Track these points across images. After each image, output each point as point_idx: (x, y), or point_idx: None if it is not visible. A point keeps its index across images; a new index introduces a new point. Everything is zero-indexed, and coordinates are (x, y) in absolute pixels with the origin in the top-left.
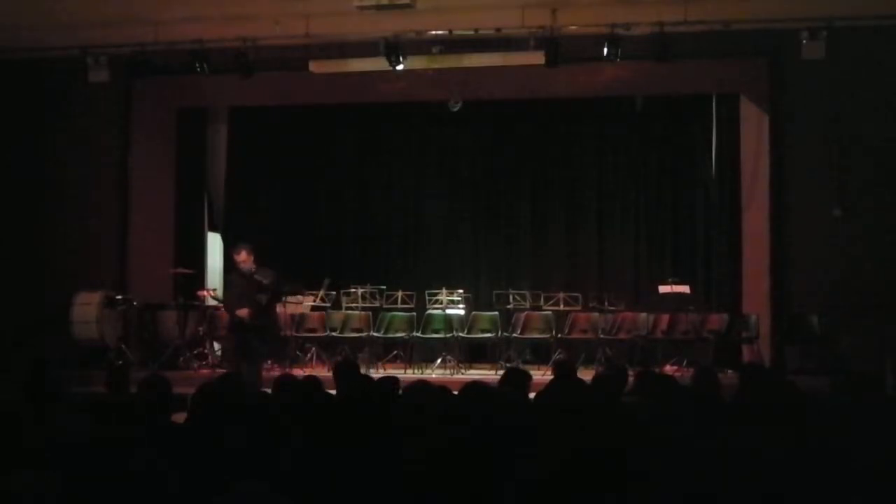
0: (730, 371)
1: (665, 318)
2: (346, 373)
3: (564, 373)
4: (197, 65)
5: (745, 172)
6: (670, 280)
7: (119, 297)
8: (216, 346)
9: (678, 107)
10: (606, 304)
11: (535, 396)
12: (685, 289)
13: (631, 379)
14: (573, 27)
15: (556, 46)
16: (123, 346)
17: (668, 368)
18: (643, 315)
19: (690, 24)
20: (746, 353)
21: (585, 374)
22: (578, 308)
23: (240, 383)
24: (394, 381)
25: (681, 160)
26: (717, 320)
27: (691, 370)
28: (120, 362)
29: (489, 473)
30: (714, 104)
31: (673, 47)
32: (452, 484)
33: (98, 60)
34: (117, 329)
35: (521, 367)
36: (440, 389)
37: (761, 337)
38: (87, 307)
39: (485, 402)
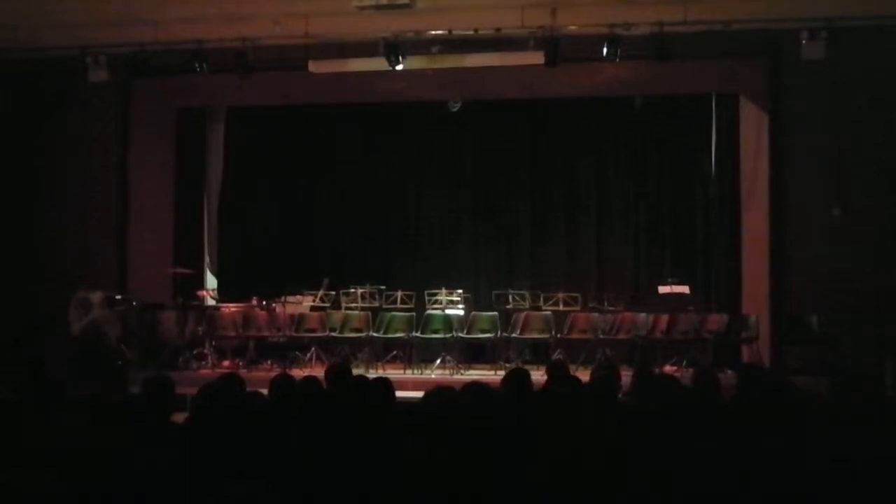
0: (729, 371)
1: (664, 318)
2: (338, 375)
3: (559, 374)
4: (196, 64)
5: (745, 172)
6: (670, 280)
7: (118, 296)
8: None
9: (678, 107)
10: (606, 304)
11: (533, 397)
12: (685, 289)
13: (629, 379)
14: (573, 27)
15: (555, 46)
16: (123, 346)
17: (668, 369)
18: (643, 315)
19: (690, 24)
20: (746, 354)
21: (585, 375)
22: (578, 308)
23: (241, 384)
24: (386, 383)
25: (680, 160)
26: (717, 320)
27: (691, 370)
28: (119, 362)
29: (489, 474)
30: (714, 104)
31: (672, 47)
32: (451, 485)
33: (97, 60)
34: (116, 329)
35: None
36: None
37: (761, 337)
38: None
39: (485, 402)
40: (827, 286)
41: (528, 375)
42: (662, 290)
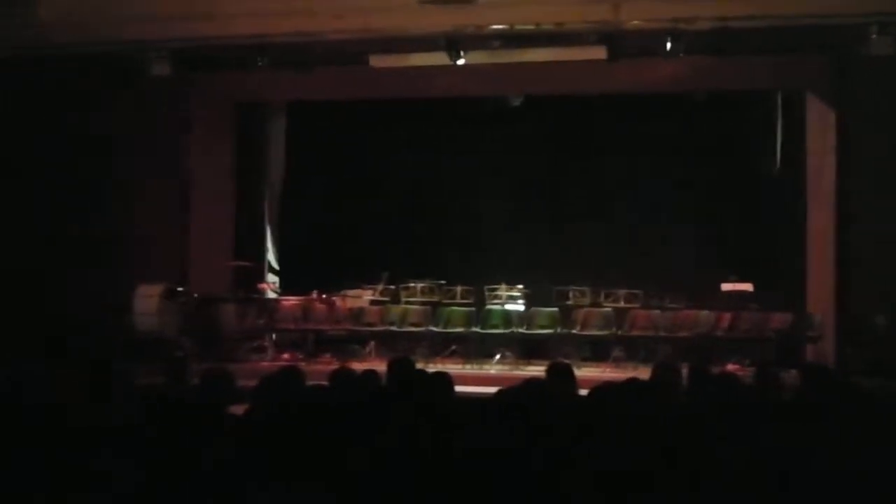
0: (792, 371)
1: (727, 316)
2: (401, 370)
3: (562, 375)
4: (258, 59)
5: (811, 169)
6: (732, 277)
7: (179, 289)
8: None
9: (742, 102)
10: (667, 301)
11: (589, 395)
12: (748, 287)
13: (688, 378)
14: (635, 22)
15: (617, 41)
16: (183, 337)
17: (730, 367)
18: (704, 313)
19: (754, 19)
20: (810, 353)
21: (645, 373)
22: (638, 305)
23: (301, 377)
24: (446, 377)
25: (745, 157)
26: (781, 319)
27: (753, 369)
28: (180, 354)
29: (542, 471)
30: (779, 99)
31: (736, 42)
32: (505, 482)
33: (160, 55)
34: (177, 321)
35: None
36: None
37: (825, 337)
38: (148, 299)
39: (540, 400)
40: (894, 286)
41: (569, 370)
42: (725, 287)
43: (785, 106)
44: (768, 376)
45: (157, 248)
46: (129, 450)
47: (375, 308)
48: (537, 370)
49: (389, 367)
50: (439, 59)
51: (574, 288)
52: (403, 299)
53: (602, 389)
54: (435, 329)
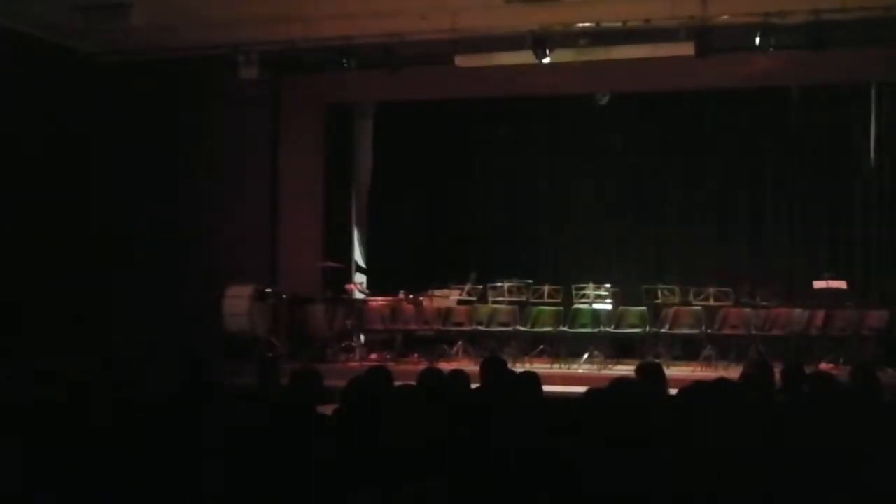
0: (890, 370)
1: (821, 313)
2: (494, 369)
3: (652, 374)
4: (344, 61)
5: None
6: (826, 274)
7: (269, 290)
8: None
9: (835, 95)
10: (759, 299)
11: (678, 394)
12: (842, 284)
13: (781, 377)
14: (724, 16)
15: (706, 37)
16: (273, 338)
17: (825, 366)
18: (798, 311)
19: (849, 11)
20: None
21: (736, 372)
22: (729, 303)
23: (389, 377)
24: (535, 377)
25: (838, 150)
26: (877, 317)
27: (849, 368)
28: (270, 354)
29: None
30: (874, 92)
31: (830, 35)
32: (596, 480)
33: (249, 58)
34: (267, 321)
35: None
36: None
37: None
38: (237, 300)
39: (631, 399)
40: None
41: (660, 368)
42: (818, 284)
43: (880, 98)
44: (865, 375)
45: (246, 249)
46: (222, 449)
47: (463, 308)
48: (627, 370)
49: (480, 367)
50: (526, 57)
51: (663, 286)
52: (491, 299)
53: (693, 389)
54: (523, 329)
